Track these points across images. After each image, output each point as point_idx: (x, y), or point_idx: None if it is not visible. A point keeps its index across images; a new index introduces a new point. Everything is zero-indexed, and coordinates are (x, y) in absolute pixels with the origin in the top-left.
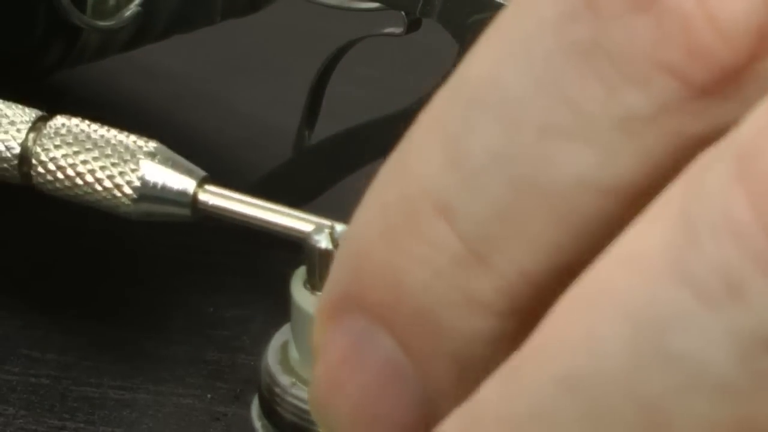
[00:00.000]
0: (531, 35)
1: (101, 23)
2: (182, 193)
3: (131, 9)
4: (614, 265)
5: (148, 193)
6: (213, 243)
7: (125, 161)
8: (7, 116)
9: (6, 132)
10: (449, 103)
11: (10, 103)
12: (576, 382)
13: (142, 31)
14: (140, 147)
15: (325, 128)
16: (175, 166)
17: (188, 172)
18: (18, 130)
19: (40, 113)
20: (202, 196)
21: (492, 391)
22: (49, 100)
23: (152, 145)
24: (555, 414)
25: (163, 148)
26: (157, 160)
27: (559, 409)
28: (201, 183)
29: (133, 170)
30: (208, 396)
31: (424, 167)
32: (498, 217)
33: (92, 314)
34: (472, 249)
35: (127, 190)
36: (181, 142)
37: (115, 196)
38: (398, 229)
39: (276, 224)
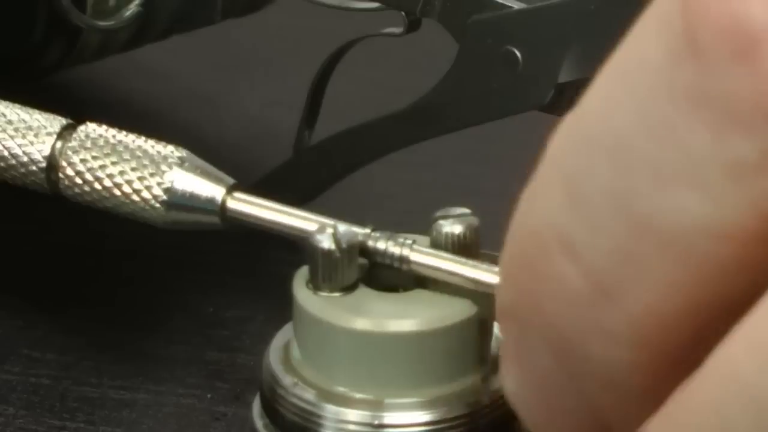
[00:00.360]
0: (639, 79)
1: (101, 23)
2: (211, 201)
3: (131, 9)
4: (742, 352)
5: (176, 201)
6: (213, 243)
7: (153, 169)
8: (33, 124)
9: (33, 141)
10: (567, 142)
11: (35, 111)
12: None
13: (142, 31)
14: (168, 155)
15: (325, 128)
16: (203, 173)
17: (217, 180)
18: (45, 139)
19: (66, 121)
20: (231, 204)
21: None
22: (49, 101)
23: (180, 153)
24: None
25: (192, 156)
26: (185, 168)
27: None
28: (230, 190)
29: (161, 178)
30: (208, 396)
31: (547, 205)
32: (619, 257)
33: (92, 314)
34: (597, 286)
35: (156, 198)
36: (181, 141)
37: (143, 205)
38: (532, 262)
39: (308, 232)
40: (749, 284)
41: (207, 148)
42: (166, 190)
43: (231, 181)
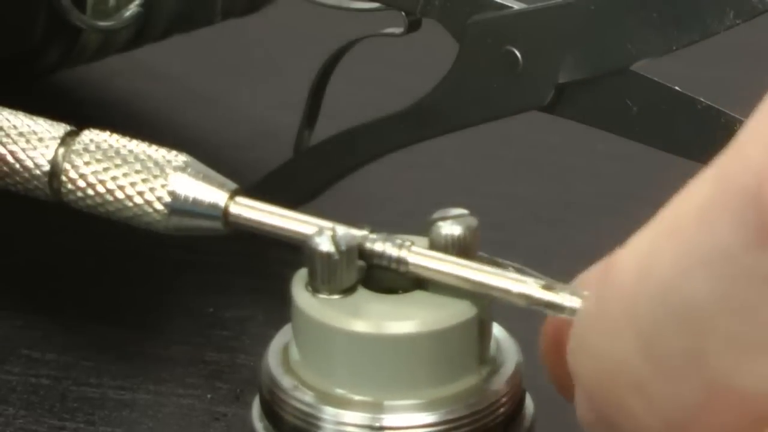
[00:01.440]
0: (714, 257)
1: (101, 23)
2: (214, 207)
3: (131, 9)
4: None
5: (179, 207)
6: (213, 243)
7: (156, 175)
8: (35, 132)
9: (35, 148)
10: (637, 296)
11: (37, 118)
12: None
13: (142, 31)
14: (170, 161)
15: (325, 128)
16: (206, 179)
17: (219, 185)
18: (47, 146)
19: (68, 128)
20: (234, 209)
21: None
22: (49, 101)
23: (182, 158)
24: None
25: (194, 161)
26: (187, 174)
27: None
28: (233, 195)
29: (163, 184)
30: (208, 396)
31: (620, 347)
32: (694, 410)
33: (92, 314)
34: (667, 424)
35: (158, 204)
36: (181, 142)
37: (146, 211)
38: (608, 395)
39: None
40: None
41: (207, 149)
42: (169, 196)
43: (233, 185)
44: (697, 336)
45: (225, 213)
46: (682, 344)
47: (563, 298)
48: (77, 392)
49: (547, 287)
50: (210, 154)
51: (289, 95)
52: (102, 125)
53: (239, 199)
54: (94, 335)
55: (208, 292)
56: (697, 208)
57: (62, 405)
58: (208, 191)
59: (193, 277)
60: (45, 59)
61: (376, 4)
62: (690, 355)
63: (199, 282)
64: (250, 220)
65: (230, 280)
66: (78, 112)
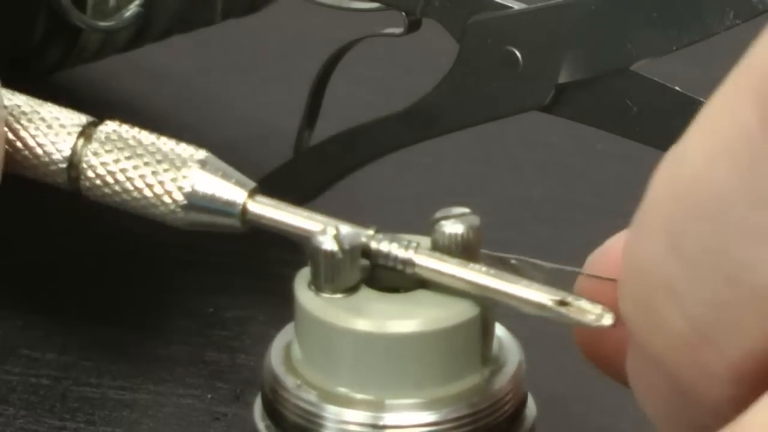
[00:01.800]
0: (738, 146)
1: (101, 23)
2: (231, 204)
3: (131, 9)
4: None
5: (197, 203)
6: (213, 243)
7: (175, 170)
8: (57, 119)
9: (57, 134)
10: (668, 191)
11: (60, 108)
12: None
13: (142, 31)
14: (191, 155)
15: (325, 128)
16: (225, 176)
17: (238, 183)
18: (69, 133)
19: (90, 118)
20: (252, 207)
21: None
22: (49, 100)
23: (203, 153)
24: None
25: (213, 158)
26: (207, 170)
27: None
28: (251, 194)
29: (182, 179)
30: (208, 396)
31: (652, 250)
32: (717, 307)
33: (92, 314)
34: (698, 330)
35: (177, 197)
36: (181, 141)
37: (163, 205)
38: (641, 299)
39: None
40: None
41: (207, 149)
42: (187, 192)
43: (252, 184)
44: (720, 228)
45: (243, 210)
46: (707, 238)
47: (544, 297)
48: (77, 392)
49: (530, 286)
50: None
51: (289, 95)
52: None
53: (258, 197)
54: (94, 335)
55: (208, 292)
56: (722, 94)
57: (62, 405)
58: (227, 188)
59: (193, 277)
60: (45, 59)
61: (376, 4)
62: (714, 250)
63: (199, 282)
64: (268, 218)
65: (230, 280)
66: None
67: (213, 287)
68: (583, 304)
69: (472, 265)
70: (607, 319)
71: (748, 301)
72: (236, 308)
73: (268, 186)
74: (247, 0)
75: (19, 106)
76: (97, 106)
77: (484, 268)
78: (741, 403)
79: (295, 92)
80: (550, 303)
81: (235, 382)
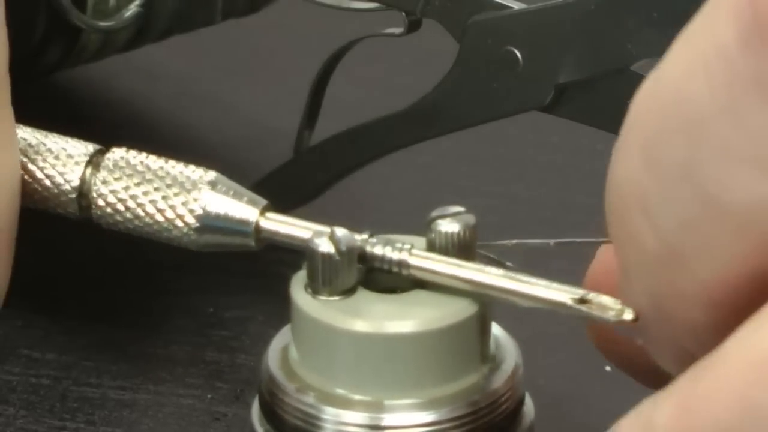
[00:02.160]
0: (714, 62)
1: (101, 23)
2: (245, 222)
3: (131, 9)
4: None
5: (210, 224)
6: None
7: (186, 193)
8: (64, 149)
9: (65, 164)
10: (648, 105)
11: (65, 138)
12: (752, 412)
13: (142, 31)
14: (201, 176)
15: (325, 128)
16: (236, 195)
17: (250, 201)
18: (77, 163)
19: (96, 147)
20: (265, 224)
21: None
22: (49, 101)
23: (212, 175)
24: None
25: (222, 178)
26: (217, 190)
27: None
28: (263, 211)
29: (194, 200)
30: (208, 396)
31: (628, 163)
32: (688, 226)
33: (92, 314)
34: (670, 249)
35: (190, 220)
36: (181, 142)
37: (176, 227)
38: (618, 214)
39: None
40: None
41: (207, 149)
42: (199, 214)
43: (263, 201)
44: (694, 144)
45: (256, 229)
46: (682, 155)
47: (565, 295)
48: (77, 392)
49: (549, 287)
50: (210, 154)
51: (289, 95)
52: (102, 125)
53: (269, 214)
54: (94, 335)
55: (208, 292)
56: (702, 14)
57: (62, 405)
58: (239, 207)
59: (193, 277)
60: (45, 59)
61: (376, 4)
62: (688, 167)
63: (199, 282)
64: (281, 235)
65: (230, 280)
66: (78, 112)
67: (213, 287)
68: (604, 300)
69: (465, 263)
70: (628, 314)
71: (719, 221)
72: (236, 308)
73: (269, 186)
74: (247, 0)
75: (25, 139)
76: (97, 106)
77: (477, 265)
78: (720, 329)
79: (295, 92)
80: (570, 302)
81: (235, 382)
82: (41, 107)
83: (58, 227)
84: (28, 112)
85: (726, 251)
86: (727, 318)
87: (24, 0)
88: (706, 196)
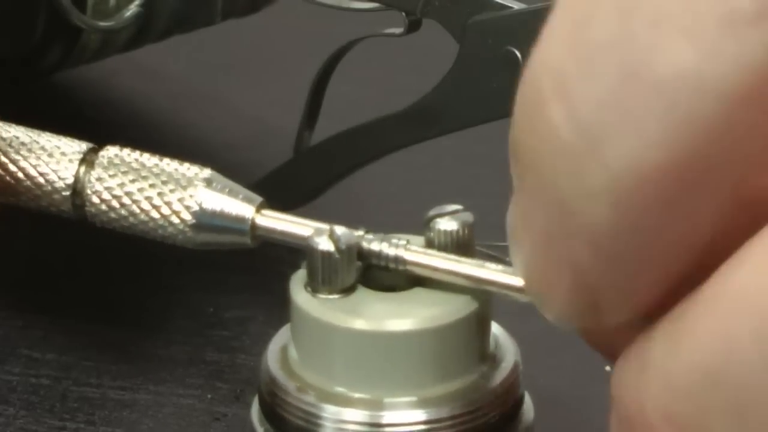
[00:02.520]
0: None
1: (101, 23)
2: (241, 221)
3: (131, 9)
4: (748, 273)
5: (206, 222)
6: None
7: (181, 191)
8: (57, 147)
9: (58, 162)
10: None
11: (58, 136)
12: (718, 377)
13: (142, 31)
14: (196, 174)
15: (325, 128)
16: (231, 193)
17: (245, 199)
18: (70, 161)
19: (90, 145)
20: (261, 222)
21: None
22: (49, 101)
23: (207, 172)
24: (704, 399)
25: (217, 175)
26: (213, 188)
27: (707, 396)
28: (259, 209)
29: (190, 197)
30: (208, 396)
31: (550, 49)
32: (606, 104)
33: (92, 314)
34: (583, 135)
35: (186, 217)
36: (181, 142)
37: (172, 224)
38: (528, 105)
39: None
40: (735, 152)
41: (207, 149)
42: (195, 211)
43: (259, 199)
44: (626, 15)
45: (253, 226)
46: (608, 29)
47: None
48: (77, 392)
49: None
50: (210, 154)
51: (289, 95)
52: (102, 125)
53: (266, 212)
54: (94, 335)
55: (209, 291)
56: None
57: (62, 405)
58: (235, 204)
59: (193, 277)
60: (45, 59)
61: (376, 4)
62: (613, 41)
63: (200, 282)
64: (277, 232)
65: (230, 280)
66: (78, 112)
67: (213, 287)
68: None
69: (461, 258)
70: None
71: (641, 97)
72: (236, 308)
73: (269, 186)
74: (247, 0)
75: (17, 138)
76: (97, 106)
77: (473, 261)
78: (621, 238)
79: (295, 92)
80: None
81: (235, 382)
82: (41, 107)
83: (58, 227)
84: (29, 112)
85: (644, 133)
86: (633, 222)
87: (24, 0)
88: (631, 71)
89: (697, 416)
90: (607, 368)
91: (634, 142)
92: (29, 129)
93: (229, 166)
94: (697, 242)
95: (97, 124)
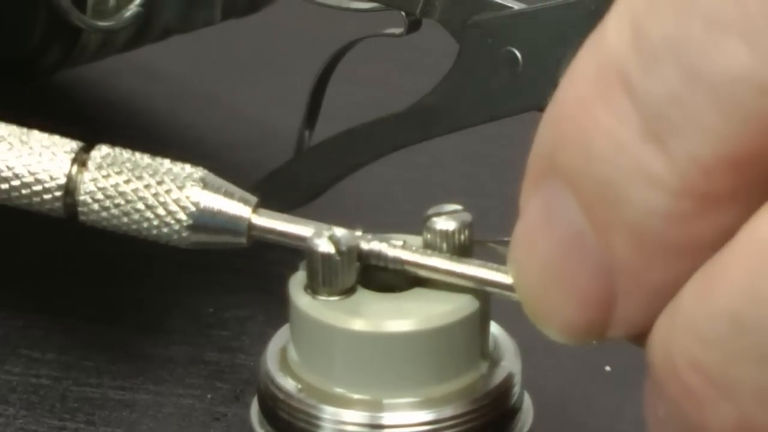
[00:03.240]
0: None
1: (101, 23)
2: (238, 220)
3: (131, 9)
4: None
5: (202, 222)
6: None
7: (178, 189)
8: (48, 147)
9: (49, 161)
10: None
11: (48, 135)
12: (743, 323)
13: (142, 31)
14: (190, 174)
15: (326, 128)
16: (227, 193)
17: (241, 199)
18: (61, 160)
19: (81, 144)
20: (257, 221)
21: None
22: (49, 101)
23: (201, 172)
24: (729, 345)
25: (212, 176)
26: (208, 188)
27: (731, 342)
28: (255, 209)
29: (186, 198)
30: (208, 396)
31: (615, 41)
32: (671, 100)
33: (92, 314)
34: (650, 128)
35: (182, 217)
36: (181, 142)
37: (168, 225)
38: (590, 96)
39: None
40: None
41: (207, 149)
42: (192, 212)
43: (254, 199)
44: (683, 17)
45: (249, 226)
46: (669, 28)
47: None
48: (77, 392)
49: None
50: (210, 154)
51: (289, 95)
52: (102, 125)
53: (261, 211)
54: (94, 335)
55: (208, 292)
56: None
57: (62, 405)
58: (231, 205)
59: (193, 277)
60: (45, 59)
61: (376, 4)
62: (675, 38)
63: (200, 282)
64: (274, 232)
65: (230, 280)
66: (78, 112)
67: (213, 287)
68: None
69: (458, 258)
70: None
71: (702, 96)
72: (236, 308)
73: (269, 186)
74: (247, 0)
75: (5, 137)
76: (97, 106)
77: (471, 260)
78: (674, 228)
79: (296, 92)
80: None
81: (235, 382)
82: (41, 107)
83: (59, 228)
84: (29, 112)
85: (707, 129)
86: (688, 209)
87: (24, 0)
88: (692, 70)
89: (723, 363)
90: (607, 368)
91: (699, 136)
92: (18, 127)
93: (229, 166)
94: (738, 227)
95: (97, 124)
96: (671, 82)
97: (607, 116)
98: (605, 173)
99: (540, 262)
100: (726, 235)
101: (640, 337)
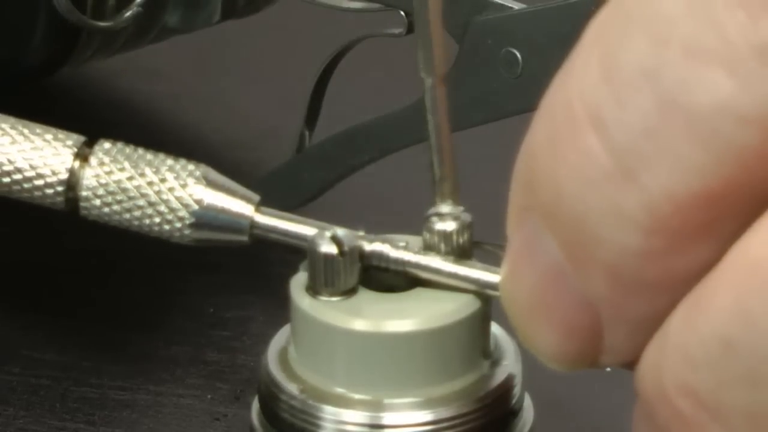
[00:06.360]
0: None
1: (101, 23)
2: (240, 217)
3: (131, 9)
4: (762, 244)
5: (205, 220)
6: None
7: (180, 186)
8: (50, 141)
9: (52, 155)
10: (609, 16)
11: (50, 128)
12: (733, 346)
13: (142, 31)
14: (192, 171)
15: (326, 128)
16: (229, 191)
17: (243, 197)
18: (64, 155)
19: (83, 138)
20: (260, 220)
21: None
22: (49, 101)
23: (203, 169)
24: (720, 369)
25: (214, 173)
26: (211, 186)
27: (722, 365)
28: (257, 207)
29: (189, 195)
30: (208, 396)
31: (583, 78)
32: (644, 133)
33: (92, 314)
34: (620, 164)
35: (184, 214)
36: (181, 141)
37: (169, 221)
38: (558, 135)
39: None
40: None
41: (207, 149)
42: (194, 210)
43: (256, 197)
44: (657, 46)
45: (251, 224)
46: (643, 58)
47: None
48: (77, 392)
49: None
50: (210, 154)
51: (289, 95)
52: (102, 125)
53: (264, 210)
54: (94, 335)
55: (209, 292)
56: None
57: (62, 405)
58: (234, 202)
59: (193, 277)
60: (45, 59)
61: (376, 4)
62: (648, 70)
63: (200, 282)
64: (275, 230)
65: (230, 280)
66: (78, 112)
67: (213, 287)
68: None
69: (459, 260)
70: None
71: (678, 127)
72: (236, 308)
73: (269, 186)
74: (247, 0)
75: (6, 129)
76: (97, 106)
77: (472, 262)
78: (649, 266)
79: (296, 92)
80: None
81: (235, 383)
82: (41, 107)
83: (59, 227)
84: (29, 112)
85: (681, 162)
86: (665, 248)
87: (24, 0)
88: (667, 100)
89: (713, 387)
90: (607, 368)
91: (673, 169)
92: (20, 120)
93: (229, 166)
94: (718, 259)
95: (98, 124)
96: (645, 112)
97: (575, 154)
98: (577, 212)
99: (525, 294)
100: (707, 267)
101: (635, 364)
